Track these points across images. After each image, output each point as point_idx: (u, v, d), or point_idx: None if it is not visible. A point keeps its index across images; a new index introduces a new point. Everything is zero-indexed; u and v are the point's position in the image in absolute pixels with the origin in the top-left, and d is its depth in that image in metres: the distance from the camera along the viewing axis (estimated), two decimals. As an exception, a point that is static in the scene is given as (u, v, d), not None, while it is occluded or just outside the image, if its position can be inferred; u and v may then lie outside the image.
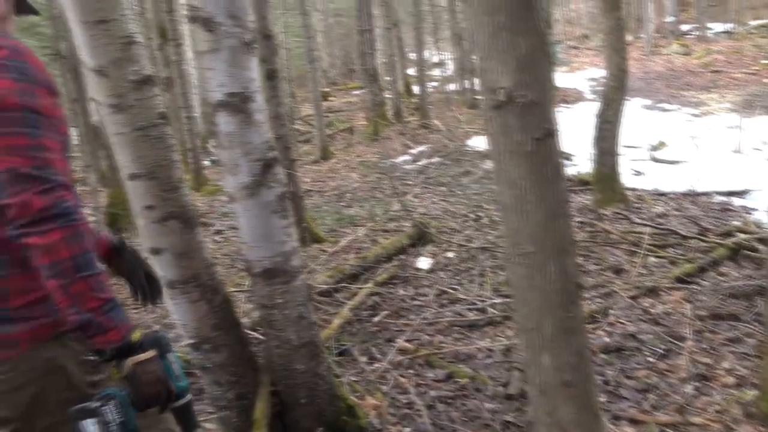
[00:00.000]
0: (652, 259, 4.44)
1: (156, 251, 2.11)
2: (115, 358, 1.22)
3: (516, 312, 1.54)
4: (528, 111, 1.25)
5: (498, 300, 3.96)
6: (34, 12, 1.46)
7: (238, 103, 2.04)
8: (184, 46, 10.86)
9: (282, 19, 15.18)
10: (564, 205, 1.37)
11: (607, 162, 5.88)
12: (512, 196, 1.33)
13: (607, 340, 3.29)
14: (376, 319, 3.83)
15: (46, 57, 6.54)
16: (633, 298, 3.77)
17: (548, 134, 1.28)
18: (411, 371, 3.17)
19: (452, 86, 16.69)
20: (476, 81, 15.51)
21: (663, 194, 6.34)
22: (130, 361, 1.21)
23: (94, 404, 1.17)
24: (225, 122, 2.06)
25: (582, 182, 6.70)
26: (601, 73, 12.98)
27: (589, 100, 14.01)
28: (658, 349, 3.14)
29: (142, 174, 2.02)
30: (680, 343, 3.17)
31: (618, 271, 4.32)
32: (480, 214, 6.19)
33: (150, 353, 1.24)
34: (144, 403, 1.23)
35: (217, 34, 1.97)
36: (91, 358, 1.25)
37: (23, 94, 1.15)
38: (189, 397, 1.36)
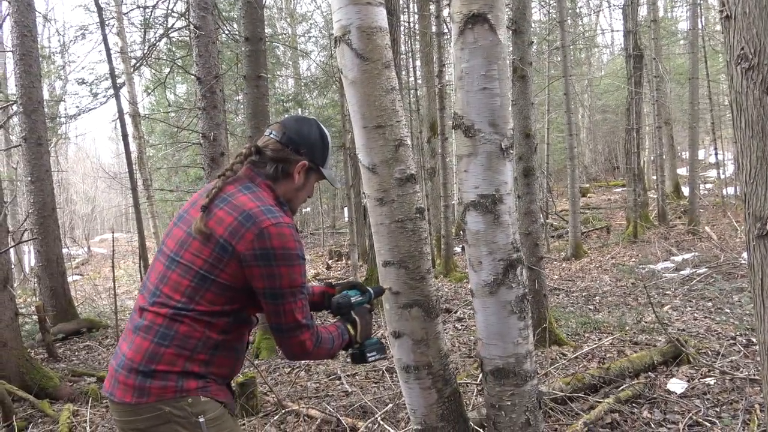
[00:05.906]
0: None
1: (396, 335, 2.26)
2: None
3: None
4: (801, 245, 1.11)
5: (767, 447, 3.35)
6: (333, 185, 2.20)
7: (488, 204, 2.13)
8: (450, 140, 11.62)
9: (546, 117, 15.40)
10: None
11: None
12: (776, 337, 1.17)
13: None
14: (613, 440, 3.51)
15: (335, 147, 7.54)
16: None
17: (827, 273, 1.12)
18: None
19: (731, 190, 15.07)
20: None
21: None
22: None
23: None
24: (473, 221, 2.17)
25: None
26: None
27: None
28: None
29: (394, 262, 2.21)
30: None
31: None
32: (752, 339, 5.37)
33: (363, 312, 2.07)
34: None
35: (476, 140, 2.11)
36: (201, 419, 1.63)
37: (303, 274, 1.75)
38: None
